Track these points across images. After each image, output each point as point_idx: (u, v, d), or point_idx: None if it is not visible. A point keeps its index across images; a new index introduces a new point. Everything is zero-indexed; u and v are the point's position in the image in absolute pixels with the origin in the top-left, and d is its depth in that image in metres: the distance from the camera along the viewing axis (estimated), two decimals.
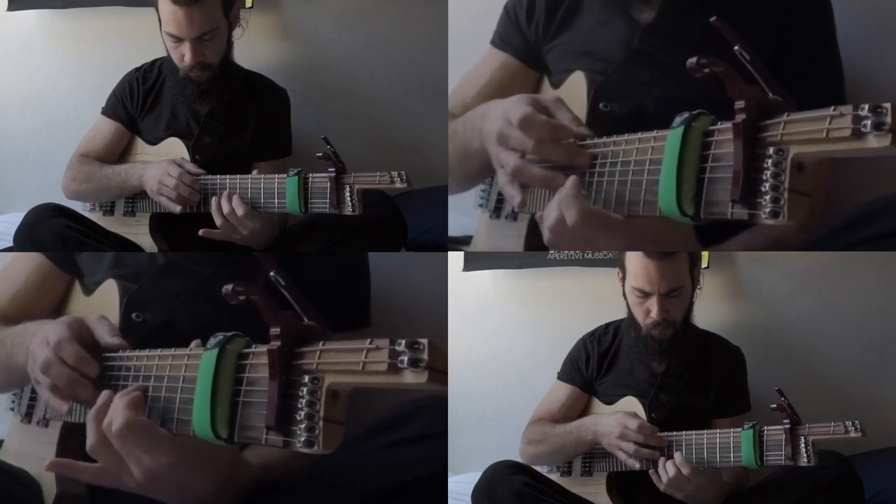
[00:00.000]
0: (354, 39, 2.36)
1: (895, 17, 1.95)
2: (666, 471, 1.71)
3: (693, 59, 1.14)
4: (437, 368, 1.05)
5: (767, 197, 1.08)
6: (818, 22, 1.70)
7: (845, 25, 1.72)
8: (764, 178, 1.08)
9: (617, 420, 1.83)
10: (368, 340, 1.08)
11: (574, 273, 2.31)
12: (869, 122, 0.99)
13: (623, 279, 1.92)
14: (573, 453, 1.93)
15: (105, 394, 1.27)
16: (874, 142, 0.99)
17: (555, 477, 1.94)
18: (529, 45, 1.82)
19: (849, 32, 1.74)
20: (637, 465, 1.78)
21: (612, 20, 1.70)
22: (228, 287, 1.18)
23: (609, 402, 1.95)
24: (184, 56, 1.92)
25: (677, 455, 1.71)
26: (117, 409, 1.24)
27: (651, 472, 1.74)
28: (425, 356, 1.04)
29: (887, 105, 0.99)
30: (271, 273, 1.22)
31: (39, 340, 1.36)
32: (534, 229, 1.72)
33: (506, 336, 2.43)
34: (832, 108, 1.03)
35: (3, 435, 1.75)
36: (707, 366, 1.94)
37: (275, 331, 1.15)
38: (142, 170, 1.92)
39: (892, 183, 1.71)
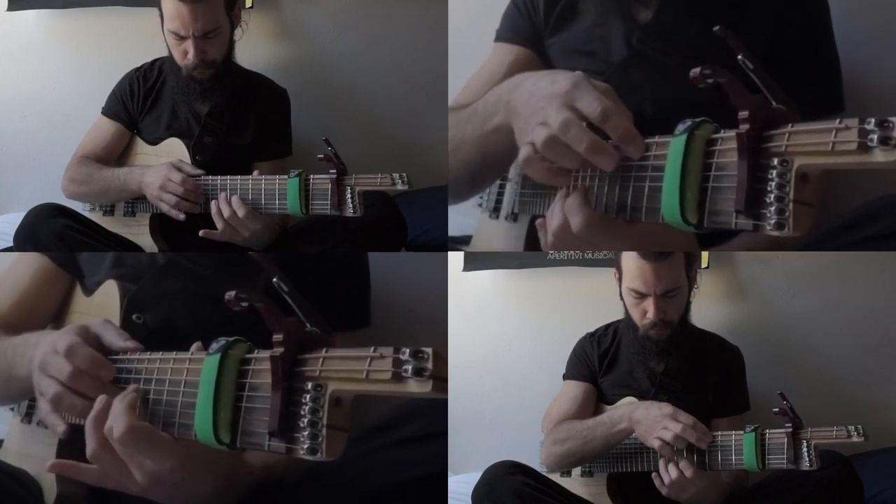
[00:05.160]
0: (354, 39, 2.36)
1: (894, 18, 1.95)
2: (668, 473, 1.71)
3: (696, 70, 1.12)
4: (441, 377, 1.04)
5: (772, 208, 1.07)
6: (815, 23, 1.69)
7: (844, 27, 1.72)
8: (768, 189, 1.07)
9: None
10: (372, 349, 1.06)
11: (574, 273, 2.31)
12: (875, 137, 0.98)
13: (620, 280, 1.93)
14: (604, 446, 1.86)
15: (102, 398, 1.25)
16: (880, 156, 0.98)
17: (555, 477, 1.94)
18: (538, 34, 1.79)
19: (847, 34, 1.74)
20: None
21: (610, 20, 1.69)
22: (231, 294, 1.17)
23: (610, 403, 1.95)
24: (187, 53, 1.91)
25: (681, 458, 1.71)
26: (117, 414, 1.22)
27: (654, 474, 1.74)
28: (430, 365, 1.03)
29: (894, 119, 0.98)
30: (274, 279, 1.22)
31: (48, 350, 1.32)
32: (534, 229, 1.72)
33: (506, 336, 2.43)
34: (838, 120, 1.02)
35: (3, 435, 1.75)
36: (705, 365, 1.94)
37: (277, 337, 1.14)
38: (141, 175, 1.90)
39: (892, 183, 1.70)
